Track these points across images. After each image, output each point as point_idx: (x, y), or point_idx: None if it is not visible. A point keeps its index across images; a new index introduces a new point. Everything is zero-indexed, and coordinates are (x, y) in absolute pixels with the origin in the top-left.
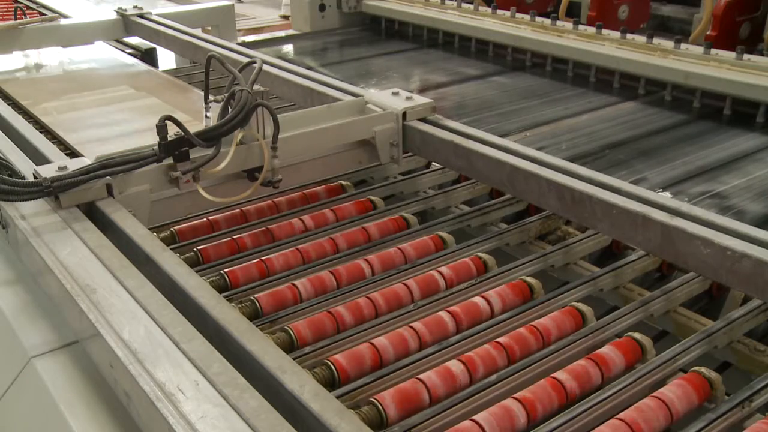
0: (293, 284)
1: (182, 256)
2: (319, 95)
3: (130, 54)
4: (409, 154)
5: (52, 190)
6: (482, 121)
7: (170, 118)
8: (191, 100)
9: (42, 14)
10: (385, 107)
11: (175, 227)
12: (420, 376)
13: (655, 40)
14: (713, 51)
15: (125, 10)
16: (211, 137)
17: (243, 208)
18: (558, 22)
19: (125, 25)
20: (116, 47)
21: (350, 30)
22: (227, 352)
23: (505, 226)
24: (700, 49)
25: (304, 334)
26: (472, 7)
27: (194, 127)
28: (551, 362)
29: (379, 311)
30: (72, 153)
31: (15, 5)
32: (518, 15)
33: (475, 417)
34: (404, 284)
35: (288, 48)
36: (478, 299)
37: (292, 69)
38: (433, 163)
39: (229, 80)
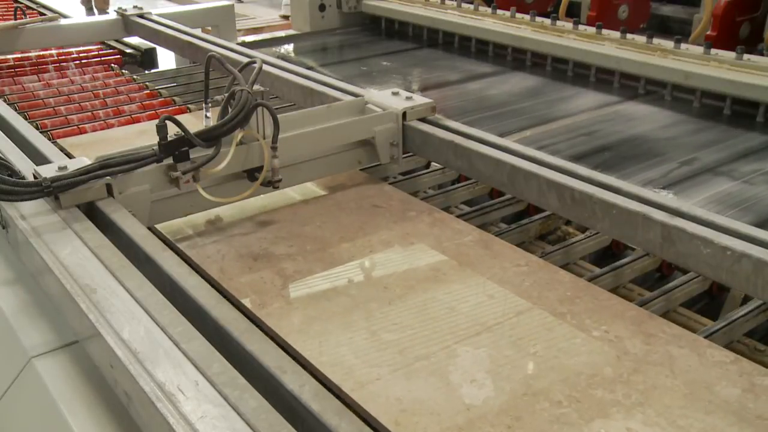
0: None
1: None
2: (319, 95)
3: (129, 54)
4: (409, 154)
5: (52, 190)
6: (483, 121)
7: (170, 118)
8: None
9: (42, 14)
10: (385, 107)
11: None
12: None
13: (655, 40)
14: (713, 51)
15: (125, 10)
16: (211, 137)
17: None
18: (558, 22)
19: (125, 25)
20: (116, 47)
21: (350, 30)
22: (227, 352)
23: (505, 226)
24: (700, 49)
25: None
26: (472, 7)
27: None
28: None
29: None
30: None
31: (15, 5)
32: (518, 15)
33: None
34: None
35: (288, 48)
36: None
37: (292, 69)
38: (433, 163)
39: (229, 80)
